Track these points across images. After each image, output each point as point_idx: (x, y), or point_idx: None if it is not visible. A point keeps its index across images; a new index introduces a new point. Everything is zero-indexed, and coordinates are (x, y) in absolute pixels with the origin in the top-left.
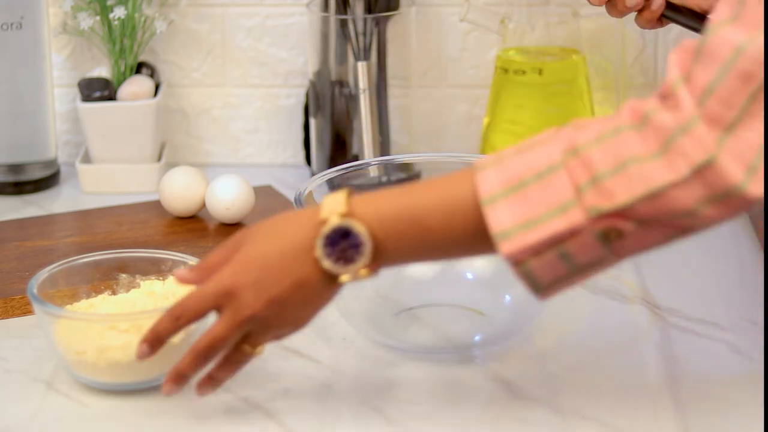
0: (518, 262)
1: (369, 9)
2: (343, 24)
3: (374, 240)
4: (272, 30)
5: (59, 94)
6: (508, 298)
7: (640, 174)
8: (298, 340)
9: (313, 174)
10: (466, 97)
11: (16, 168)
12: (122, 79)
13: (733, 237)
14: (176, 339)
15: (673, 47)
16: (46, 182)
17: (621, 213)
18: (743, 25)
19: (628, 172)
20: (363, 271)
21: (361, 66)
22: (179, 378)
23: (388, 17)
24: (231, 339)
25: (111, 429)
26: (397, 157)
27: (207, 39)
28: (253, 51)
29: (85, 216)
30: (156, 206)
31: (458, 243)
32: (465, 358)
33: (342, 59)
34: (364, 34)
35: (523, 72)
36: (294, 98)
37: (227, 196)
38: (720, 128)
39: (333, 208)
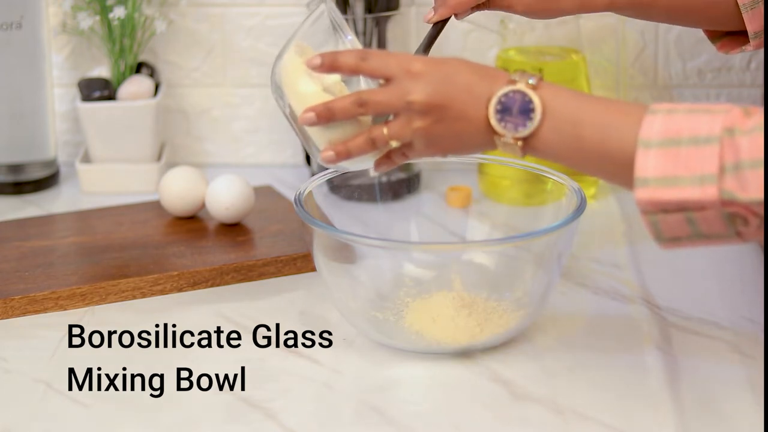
0: (647, 211)
1: (369, 9)
2: None
3: (539, 123)
4: (272, 30)
5: (59, 94)
6: (508, 297)
7: None
8: (298, 340)
9: (313, 174)
10: None
11: (15, 168)
12: (122, 79)
13: None
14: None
15: (673, 47)
16: (46, 182)
17: (750, 207)
18: None
19: (765, 170)
20: (516, 143)
21: None
22: (326, 112)
23: (388, 17)
24: (384, 108)
25: (111, 429)
26: None
27: (207, 39)
28: (253, 51)
29: (84, 216)
30: (156, 206)
31: (600, 163)
32: (465, 358)
33: None
34: (364, 34)
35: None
36: None
37: (227, 196)
38: None
39: (524, 78)
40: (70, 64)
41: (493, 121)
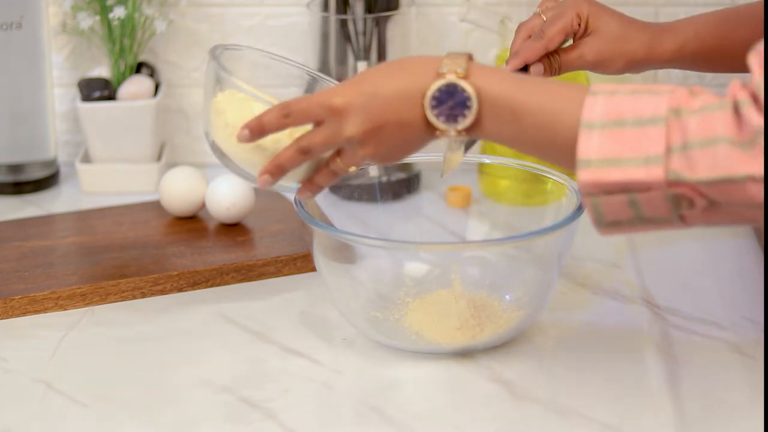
0: (589, 193)
1: (369, 9)
2: (343, 24)
3: (478, 111)
4: (272, 30)
5: (59, 94)
6: (508, 298)
7: (725, 157)
8: (298, 340)
9: None
10: None
11: (16, 168)
12: (122, 79)
13: (733, 237)
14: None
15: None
16: (46, 182)
17: (697, 187)
18: None
19: (715, 149)
20: (459, 133)
21: (361, 66)
22: (276, 168)
23: (388, 17)
24: (326, 149)
25: (111, 429)
26: None
27: (207, 39)
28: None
29: (84, 216)
30: (156, 206)
31: (544, 147)
32: (465, 358)
33: (342, 59)
34: (364, 34)
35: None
36: None
37: (227, 197)
38: None
39: (452, 67)
40: (70, 64)
41: (432, 119)
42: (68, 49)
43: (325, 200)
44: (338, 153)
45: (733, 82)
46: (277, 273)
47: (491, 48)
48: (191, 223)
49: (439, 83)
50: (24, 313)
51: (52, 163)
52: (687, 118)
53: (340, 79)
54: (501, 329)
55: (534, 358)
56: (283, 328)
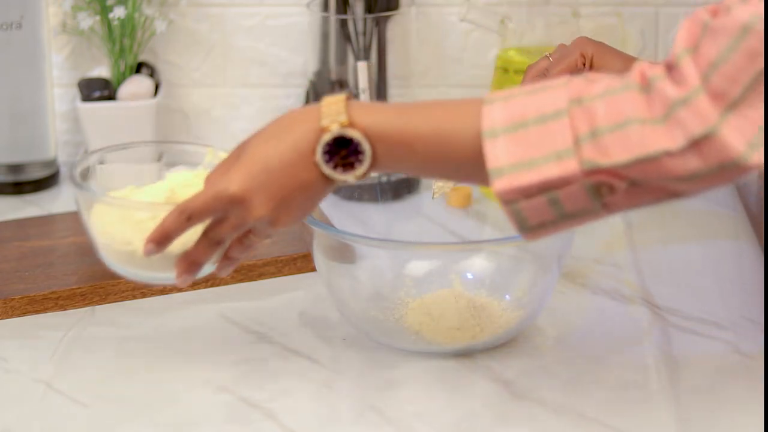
0: (508, 201)
1: (369, 9)
2: (343, 24)
3: (372, 152)
4: (272, 30)
5: (59, 94)
6: (508, 298)
7: (638, 137)
8: (298, 340)
9: None
10: (466, 97)
11: (15, 168)
12: (122, 79)
13: (733, 237)
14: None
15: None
16: (46, 182)
17: (614, 171)
18: (753, 3)
19: (627, 131)
20: (359, 178)
21: (361, 66)
22: (192, 265)
23: (388, 17)
24: (238, 233)
25: (111, 429)
26: None
27: (207, 39)
28: (252, 51)
29: None
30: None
31: (449, 169)
32: (465, 358)
33: (342, 59)
34: (364, 34)
35: (523, 72)
36: (293, 98)
37: None
38: (724, 104)
39: (334, 117)
40: (70, 64)
41: (329, 173)
42: (68, 49)
43: (325, 200)
44: (249, 230)
45: (638, 63)
46: (277, 273)
47: (491, 48)
48: None
49: (326, 138)
50: (24, 313)
51: (52, 163)
52: (591, 105)
53: (339, 80)
54: (501, 329)
55: (534, 358)
56: (283, 328)
